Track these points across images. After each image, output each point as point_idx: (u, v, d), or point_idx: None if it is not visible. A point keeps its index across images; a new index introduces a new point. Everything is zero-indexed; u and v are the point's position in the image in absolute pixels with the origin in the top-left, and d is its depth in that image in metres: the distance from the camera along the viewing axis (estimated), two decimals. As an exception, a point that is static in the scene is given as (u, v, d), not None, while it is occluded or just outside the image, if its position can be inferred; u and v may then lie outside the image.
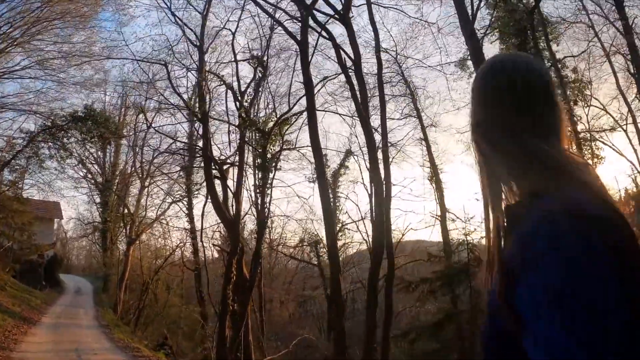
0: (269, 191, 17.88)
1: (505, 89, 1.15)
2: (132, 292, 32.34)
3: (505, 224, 1.09)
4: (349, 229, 32.64)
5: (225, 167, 16.31)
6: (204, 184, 29.74)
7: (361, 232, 28.08)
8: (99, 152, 36.10)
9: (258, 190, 16.41)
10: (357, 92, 14.15)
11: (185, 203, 30.18)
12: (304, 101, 16.85)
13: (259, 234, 15.35)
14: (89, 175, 37.40)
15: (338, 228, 33.57)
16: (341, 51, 14.60)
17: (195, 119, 16.24)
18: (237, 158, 16.79)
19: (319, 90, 17.51)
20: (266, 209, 16.40)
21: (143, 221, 31.82)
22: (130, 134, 29.49)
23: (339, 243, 33.53)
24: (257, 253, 15.82)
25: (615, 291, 0.82)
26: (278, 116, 16.14)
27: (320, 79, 17.42)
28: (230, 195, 15.60)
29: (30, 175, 25.30)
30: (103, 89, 27.18)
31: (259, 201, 16.30)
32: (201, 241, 25.05)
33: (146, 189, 32.32)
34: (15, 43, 22.29)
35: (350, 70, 16.46)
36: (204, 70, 15.29)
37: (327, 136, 40.26)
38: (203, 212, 23.97)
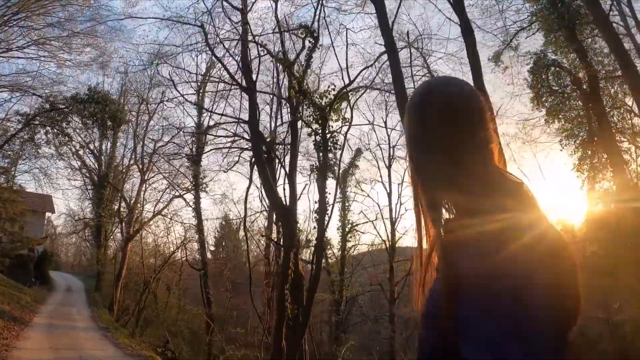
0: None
1: (441, 106, 1.16)
2: (128, 291, 29.70)
3: (446, 242, 1.08)
4: (358, 230, 30.56)
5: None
6: (200, 177, 27.85)
7: (379, 233, 25.84)
8: (96, 143, 33.56)
9: (317, 172, 14.12)
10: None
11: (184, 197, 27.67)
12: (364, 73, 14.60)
13: (320, 222, 13.08)
14: (84, 169, 34.82)
15: (348, 229, 31.62)
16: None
17: (240, 90, 13.84)
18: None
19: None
20: (327, 194, 14.21)
21: (144, 216, 29.19)
22: (133, 119, 26.77)
23: (349, 244, 31.60)
24: (320, 245, 13.50)
25: (544, 301, 0.88)
26: (337, 90, 13.86)
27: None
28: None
29: (25, 161, 22.64)
30: (109, 71, 24.54)
31: (320, 184, 14.03)
32: (246, 232, 22.31)
33: (146, 183, 29.72)
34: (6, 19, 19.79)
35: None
36: (248, 33, 12.95)
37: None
38: (247, 197, 21.08)
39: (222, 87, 16.91)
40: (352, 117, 15.01)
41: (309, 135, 13.68)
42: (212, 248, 43.15)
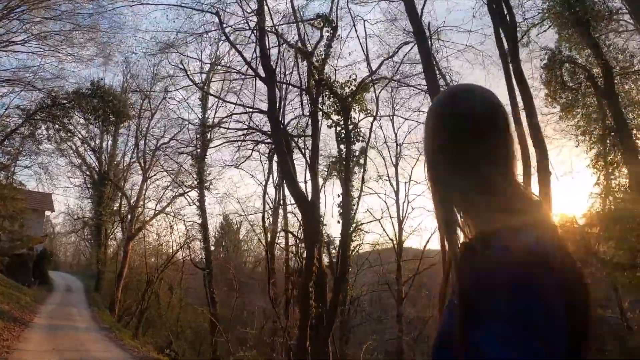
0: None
1: (463, 118, 1.13)
2: (129, 291, 28.99)
3: (462, 258, 1.06)
4: (363, 230, 29.92)
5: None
6: (204, 175, 27.16)
7: (386, 232, 25.19)
8: (97, 140, 32.86)
9: (340, 165, 13.43)
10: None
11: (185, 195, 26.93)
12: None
13: (345, 216, 12.35)
14: (85, 166, 34.11)
15: (352, 228, 31.01)
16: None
17: (255, 81, 13.16)
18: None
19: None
20: (352, 187, 13.48)
21: (146, 214, 28.50)
22: (134, 115, 26.00)
23: (353, 243, 30.96)
24: (345, 241, 12.78)
25: (561, 324, 0.91)
26: (359, 80, 13.15)
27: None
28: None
29: (25, 157, 21.93)
30: (112, 64, 23.84)
31: (345, 176, 13.33)
32: (264, 228, 21.58)
33: (147, 181, 29.02)
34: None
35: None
36: (265, 19, 12.25)
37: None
38: (265, 191, 20.14)
39: (232, 78, 16.08)
40: (377, 108, 14.27)
41: (329, 127, 13.10)
42: (212, 248, 42.48)
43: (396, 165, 24.86)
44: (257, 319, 25.44)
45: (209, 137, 22.05)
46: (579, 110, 18.75)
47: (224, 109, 24.48)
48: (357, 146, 15.99)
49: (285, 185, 11.27)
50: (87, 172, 34.17)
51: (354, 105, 12.57)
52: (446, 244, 1.11)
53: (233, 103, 14.79)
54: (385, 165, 25.07)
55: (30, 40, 20.75)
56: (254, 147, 16.17)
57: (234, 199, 35.22)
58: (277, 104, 12.33)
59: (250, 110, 14.30)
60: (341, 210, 12.79)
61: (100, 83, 20.74)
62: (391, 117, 21.62)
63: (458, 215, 1.14)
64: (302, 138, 14.35)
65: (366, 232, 31.29)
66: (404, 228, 24.82)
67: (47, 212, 36.77)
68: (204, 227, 25.60)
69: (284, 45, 12.77)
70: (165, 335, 23.56)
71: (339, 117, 12.61)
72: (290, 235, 25.55)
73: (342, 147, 12.58)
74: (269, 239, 22.53)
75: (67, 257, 56.37)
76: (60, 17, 19.87)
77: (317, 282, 11.42)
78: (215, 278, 29.82)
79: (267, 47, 12.15)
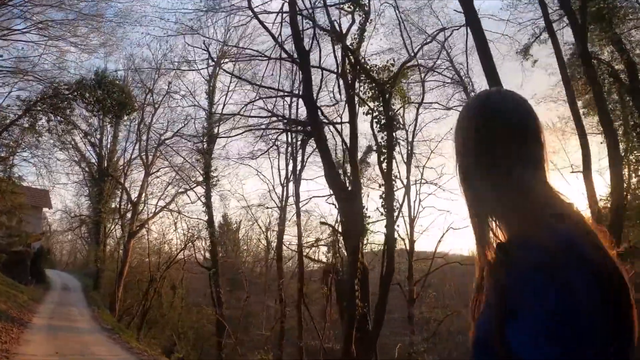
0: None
1: (496, 123, 1.13)
2: (129, 290, 27.85)
3: (496, 261, 1.05)
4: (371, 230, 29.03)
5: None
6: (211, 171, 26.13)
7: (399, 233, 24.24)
8: (98, 135, 31.71)
9: (382, 154, 12.35)
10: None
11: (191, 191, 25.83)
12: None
13: (389, 208, 11.33)
14: (84, 162, 32.93)
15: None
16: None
17: (290, 63, 11.99)
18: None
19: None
20: (394, 178, 12.48)
21: (149, 210, 27.39)
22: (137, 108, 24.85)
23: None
24: (391, 235, 11.74)
25: (604, 324, 0.89)
26: (399, 64, 12.11)
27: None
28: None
29: (24, 150, 20.78)
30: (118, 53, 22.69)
31: (387, 166, 12.25)
32: (299, 225, 20.52)
33: (150, 177, 27.92)
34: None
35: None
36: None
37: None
38: (299, 179, 18.87)
39: (249, 61, 14.86)
40: (423, 93, 13.06)
41: (365, 114, 12.12)
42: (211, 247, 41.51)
43: (408, 163, 23.86)
44: (267, 320, 24.39)
45: (217, 130, 21.05)
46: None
47: (238, 96, 23.41)
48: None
49: (325, 175, 10.20)
50: (87, 169, 33.02)
51: (394, 93, 11.61)
52: (480, 247, 1.10)
53: (258, 85, 13.68)
54: (396, 162, 24.04)
55: (31, 29, 19.73)
56: (277, 136, 15.14)
57: (240, 195, 34.22)
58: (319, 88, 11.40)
59: (283, 93, 13.20)
60: (384, 203, 11.83)
61: (104, 73, 19.66)
62: (417, 105, 20.44)
63: (491, 218, 1.11)
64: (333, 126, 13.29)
65: (373, 231, 30.70)
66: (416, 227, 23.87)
67: (45, 210, 35.55)
68: (210, 224, 24.55)
69: (312, 30, 11.77)
70: (168, 336, 22.48)
71: (377, 103, 11.64)
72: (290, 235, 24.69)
73: (382, 135, 11.61)
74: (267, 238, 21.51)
75: (63, 255, 54.99)
76: (62, 3, 18.81)
77: (360, 280, 10.48)
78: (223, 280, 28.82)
79: (300, 29, 11.16)
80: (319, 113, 11.01)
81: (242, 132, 13.25)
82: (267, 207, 25.55)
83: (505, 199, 1.08)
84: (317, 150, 14.02)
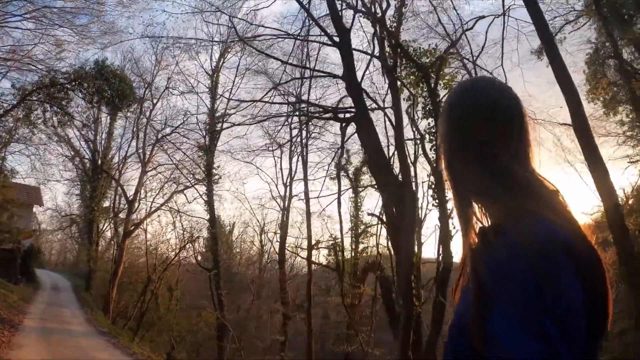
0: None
1: (482, 109, 1.12)
2: (123, 292, 26.47)
3: (477, 245, 1.04)
4: (371, 232, 27.97)
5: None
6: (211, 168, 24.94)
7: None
8: (92, 132, 30.31)
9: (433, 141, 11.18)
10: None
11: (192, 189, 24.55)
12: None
13: (440, 198, 10.16)
14: (77, 158, 31.52)
15: (361, 230, 29.01)
16: None
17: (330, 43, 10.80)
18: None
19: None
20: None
21: (148, 207, 26.09)
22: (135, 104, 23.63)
23: (361, 245, 28.97)
24: (445, 231, 10.63)
25: (578, 308, 0.88)
26: (441, 50, 11.04)
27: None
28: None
29: (17, 141, 19.45)
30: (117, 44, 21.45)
31: (431, 155, 11.15)
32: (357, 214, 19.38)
33: (146, 174, 26.63)
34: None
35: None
36: None
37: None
38: (339, 167, 17.78)
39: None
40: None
41: (406, 100, 11.08)
42: (203, 249, 40.25)
43: (414, 164, 22.89)
44: (270, 324, 23.19)
45: (220, 127, 19.95)
46: (622, 106, 17.35)
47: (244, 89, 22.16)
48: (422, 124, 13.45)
49: (372, 164, 9.13)
50: (80, 166, 31.61)
51: (439, 80, 10.62)
52: (464, 232, 1.09)
53: (294, 65, 12.40)
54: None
55: (27, 17, 18.48)
56: (304, 122, 13.88)
57: (241, 195, 32.90)
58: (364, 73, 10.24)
59: (325, 74, 11.98)
60: (435, 195, 10.80)
61: (105, 63, 18.43)
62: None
63: (476, 206, 1.12)
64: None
65: (373, 234, 29.65)
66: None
67: (36, 208, 34.01)
68: (212, 223, 23.33)
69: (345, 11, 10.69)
70: (167, 339, 21.19)
71: (419, 88, 10.66)
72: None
73: (428, 122, 10.57)
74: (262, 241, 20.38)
75: (52, 255, 53.22)
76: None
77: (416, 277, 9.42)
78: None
79: (340, 8, 10.13)
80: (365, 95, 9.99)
81: (266, 119, 12.13)
82: (269, 208, 24.45)
83: (490, 185, 1.06)
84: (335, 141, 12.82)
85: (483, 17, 11.85)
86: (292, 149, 22.26)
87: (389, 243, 17.51)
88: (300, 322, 22.87)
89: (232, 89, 23.01)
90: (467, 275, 1.02)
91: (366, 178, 29.69)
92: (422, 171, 23.89)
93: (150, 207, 27.11)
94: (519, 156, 1.08)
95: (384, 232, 31.63)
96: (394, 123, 10.32)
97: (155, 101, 25.75)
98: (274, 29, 11.59)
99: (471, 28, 10.96)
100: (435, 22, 12.25)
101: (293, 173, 23.89)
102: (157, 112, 27.10)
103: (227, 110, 19.28)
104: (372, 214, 18.39)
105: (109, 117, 27.27)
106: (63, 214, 40.28)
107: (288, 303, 20.67)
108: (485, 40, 11.61)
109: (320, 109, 10.94)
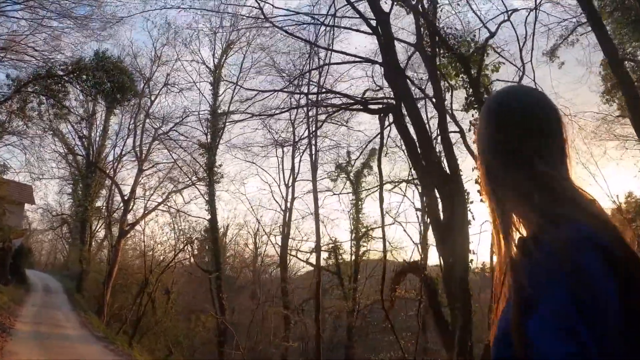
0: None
1: (524, 116, 1.12)
2: (117, 294, 25.37)
3: (517, 255, 1.03)
4: (374, 236, 27.26)
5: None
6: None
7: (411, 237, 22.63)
8: (86, 129, 29.21)
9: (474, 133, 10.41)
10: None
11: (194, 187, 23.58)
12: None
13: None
14: (70, 155, 30.36)
15: (362, 232, 28.25)
16: None
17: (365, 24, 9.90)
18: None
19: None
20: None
21: (145, 206, 25.06)
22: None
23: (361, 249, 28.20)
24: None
25: (618, 319, 0.87)
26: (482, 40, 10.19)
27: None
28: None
29: (11, 134, 18.40)
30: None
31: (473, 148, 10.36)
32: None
33: (143, 172, 25.61)
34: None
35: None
36: None
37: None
38: (380, 154, 16.96)
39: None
40: (523, 66, 10.90)
41: (446, 91, 10.26)
42: (196, 252, 39.19)
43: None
44: (274, 330, 22.23)
45: (224, 122, 19.07)
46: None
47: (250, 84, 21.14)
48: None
49: (418, 159, 8.25)
50: (74, 163, 30.45)
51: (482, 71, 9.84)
52: (502, 244, 1.08)
53: (343, 52, 11.31)
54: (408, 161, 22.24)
55: (24, 6, 17.49)
56: (327, 116, 12.96)
57: (242, 195, 31.84)
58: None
59: (359, 59, 11.01)
60: (480, 189, 10.08)
61: (105, 54, 17.45)
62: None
63: (513, 214, 1.10)
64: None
65: (374, 237, 28.92)
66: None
67: (27, 206, 32.74)
68: (213, 225, 22.36)
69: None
70: (165, 344, 20.18)
71: (458, 79, 9.88)
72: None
73: (473, 113, 9.76)
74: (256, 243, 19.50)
75: (42, 255, 51.71)
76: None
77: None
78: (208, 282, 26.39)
79: None
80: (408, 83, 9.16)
81: (286, 110, 11.27)
82: (268, 209, 23.64)
83: (528, 195, 1.05)
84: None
85: (517, 10, 11.14)
86: (297, 146, 21.45)
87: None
88: (301, 325, 22.02)
89: (237, 82, 22.12)
90: (508, 285, 1.01)
91: (369, 180, 29.19)
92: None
93: (146, 206, 26.12)
94: (557, 164, 1.08)
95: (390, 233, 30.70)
96: (427, 116, 9.56)
97: (153, 98, 24.80)
98: (296, 11, 10.69)
99: (508, 19, 10.25)
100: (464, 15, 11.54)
101: (296, 173, 23.09)
102: (156, 108, 26.14)
103: (234, 103, 18.31)
104: (419, 209, 17.42)
105: (104, 113, 26.19)
106: (54, 213, 39.02)
107: (289, 307, 19.79)
108: (526, 34, 10.84)
109: (351, 101, 10.11)
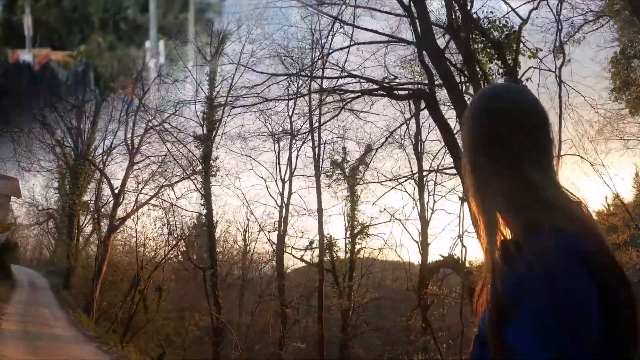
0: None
1: (512, 116, 1.08)
2: (106, 291, 24.47)
3: (501, 259, 1.00)
4: (369, 234, 26.71)
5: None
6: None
7: (411, 234, 22.12)
8: (73, 121, 28.16)
9: None
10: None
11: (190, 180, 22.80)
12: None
13: None
14: (58, 148, 29.25)
15: (358, 229, 27.69)
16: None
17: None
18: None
19: None
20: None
21: (137, 200, 24.20)
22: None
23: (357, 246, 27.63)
24: None
25: (598, 326, 0.86)
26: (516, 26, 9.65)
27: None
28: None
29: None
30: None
31: None
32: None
33: (134, 166, 24.73)
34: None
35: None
36: None
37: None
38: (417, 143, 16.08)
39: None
40: (564, 55, 10.29)
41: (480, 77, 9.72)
42: (183, 248, 38.26)
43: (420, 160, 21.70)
44: (273, 330, 21.59)
45: (221, 117, 18.37)
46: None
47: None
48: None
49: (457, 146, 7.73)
50: (62, 156, 29.37)
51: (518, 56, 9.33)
52: (486, 244, 1.06)
53: (368, 29, 10.46)
54: (409, 159, 21.68)
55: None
56: (347, 102, 12.16)
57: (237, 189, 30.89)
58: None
59: (390, 38, 10.26)
60: None
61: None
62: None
63: (499, 217, 1.07)
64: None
65: (369, 235, 28.38)
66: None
67: (13, 200, 31.60)
68: (209, 219, 21.64)
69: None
70: (158, 344, 19.42)
71: (492, 65, 9.35)
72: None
73: None
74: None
75: (27, 250, 50.32)
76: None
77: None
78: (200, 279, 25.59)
79: None
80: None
81: (308, 94, 10.56)
82: (263, 204, 23.02)
83: (514, 197, 1.03)
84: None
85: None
86: (301, 138, 20.76)
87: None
88: (299, 324, 21.40)
89: (234, 73, 21.38)
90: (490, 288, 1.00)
91: (369, 175, 28.53)
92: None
93: (137, 200, 25.24)
94: (544, 168, 1.05)
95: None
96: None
97: (146, 89, 23.92)
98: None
99: (536, 8, 9.82)
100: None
101: (293, 167, 22.48)
102: (149, 99, 25.22)
103: (240, 90, 17.49)
104: (462, 198, 16.71)
105: (94, 104, 25.22)
106: (40, 208, 37.83)
107: (286, 305, 19.21)
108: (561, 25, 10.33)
109: (376, 86, 9.49)
